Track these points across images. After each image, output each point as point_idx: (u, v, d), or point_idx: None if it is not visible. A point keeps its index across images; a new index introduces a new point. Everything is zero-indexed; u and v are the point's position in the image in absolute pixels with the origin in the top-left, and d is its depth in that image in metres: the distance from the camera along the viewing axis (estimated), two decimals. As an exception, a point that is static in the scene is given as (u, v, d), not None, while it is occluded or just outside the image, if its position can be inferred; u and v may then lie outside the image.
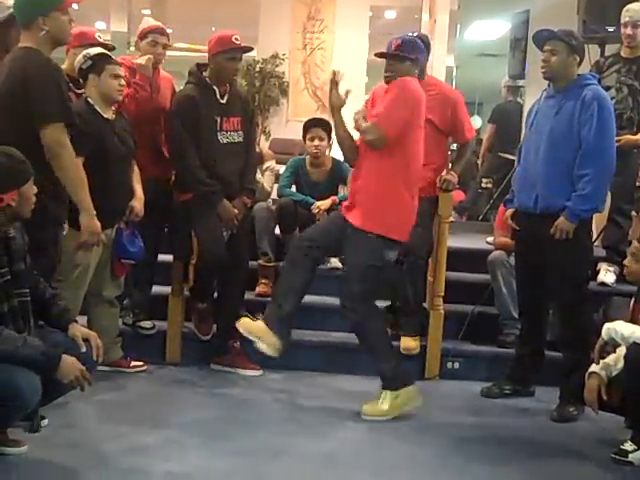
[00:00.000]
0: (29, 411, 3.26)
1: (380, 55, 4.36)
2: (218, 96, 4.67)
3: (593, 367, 3.74)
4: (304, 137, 5.59)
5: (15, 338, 3.15)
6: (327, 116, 10.65)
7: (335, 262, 5.51)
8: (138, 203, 4.44)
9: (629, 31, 5.32)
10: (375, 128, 4.16)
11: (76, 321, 3.59)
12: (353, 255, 4.21)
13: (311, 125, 5.56)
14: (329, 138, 5.56)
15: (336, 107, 4.30)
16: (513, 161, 8.27)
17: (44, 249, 3.68)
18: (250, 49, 4.71)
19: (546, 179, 4.24)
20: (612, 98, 4.88)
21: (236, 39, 4.60)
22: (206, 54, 4.71)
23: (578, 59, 4.29)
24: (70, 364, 3.23)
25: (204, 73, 4.70)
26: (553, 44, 4.26)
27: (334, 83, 4.29)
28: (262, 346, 4.21)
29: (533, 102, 4.63)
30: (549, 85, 4.40)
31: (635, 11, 5.34)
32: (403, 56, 4.27)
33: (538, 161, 4.28)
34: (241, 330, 4.28)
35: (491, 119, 8.77)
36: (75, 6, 4.00)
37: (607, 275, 5.33)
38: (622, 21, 5.36)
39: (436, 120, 4.79)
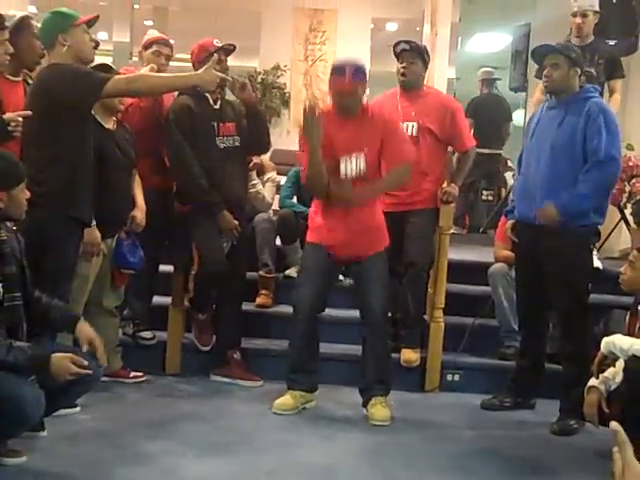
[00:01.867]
0: (31, 426, 3.26)
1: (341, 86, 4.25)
2: (211, 102, 4.69)
3: (592, 381, 3.73)
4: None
5: (0, 345, 3.13)
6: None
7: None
8: (140, 213, 4.45)
9: (579, 20, 5.53)
10: (409, 167, 4.33)
11: (80, 317, 3.58)
12: (380, 278, 4.35)
13: None
14: None
15: (314, 138, 4.18)
16: (494, 155, 8.28)
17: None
18: (233, 47, 4.71)
19: (545, 190, 4.24)
20: None
21: (217, 42, 4.63)
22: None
23: (579, 71, 4.30)
24: (61, 363, 3.18)
25: None
26: (554, 58, 4.28)
27: (311, 113, 4.17)
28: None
29: (534, 111, 4.65)
30: (551, 96, 4.41)
31: (582, 0, 5.53)
32: (364, 83, 4.33)
33: (538, 172, 4.29)
34: (280, 412, 4.33)
35: (468, 113, 8.73)
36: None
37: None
38: (571, 12, 5.60)
39: (436, 129, 4.82)
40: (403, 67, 4.87)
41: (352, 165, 4.27)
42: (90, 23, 3.97)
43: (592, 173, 4.15)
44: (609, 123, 4.19)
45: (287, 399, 4.37)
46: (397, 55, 4.92)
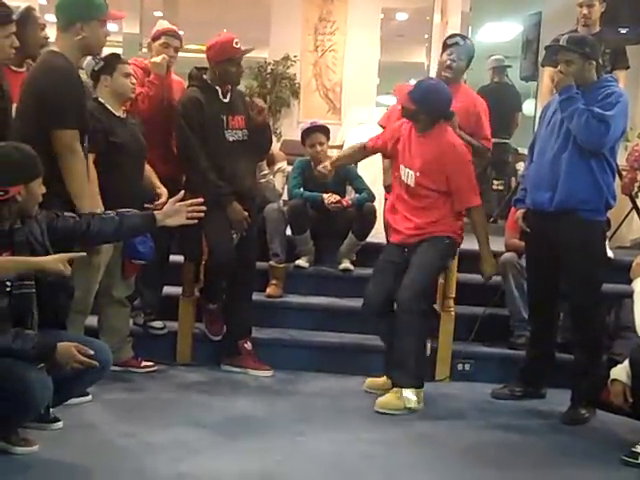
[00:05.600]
0: (40, 411, 3.27)
1: None
2: (221, 96, 4.68)
3: (613, 374, 3.75)
4: (303, 143, 5.63)
5: (6, 332, 3.13)
6: (337, 118, 10.70)
7: (346, 264, 5.51)
8: (164, 193, 4.47)
9: (585, 11, 5.53)
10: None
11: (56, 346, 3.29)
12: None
13: (309, 132, 5.61)
14: (328, 140, 5.65)
15: None
16: (502, 144, 8.17)
17: None
18: (250, 51, 4.72)
19: (567, 174, 4.20)
20: None
21: (236, 43, 4.62)
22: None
23: (594, 63, 4.26)
24: (66, 351, 3.19)
25: (204, 76, 4.72)
26: (567, 55, 4.24)
27: None
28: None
29: (549, 100, 4.60)
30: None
31: None
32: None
33: (556, 159, 4.24)
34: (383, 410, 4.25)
35: None
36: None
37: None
38: (577, 2, 5.60)
39: (460, 125, 4.78)
40: (451, 59, 4.82)
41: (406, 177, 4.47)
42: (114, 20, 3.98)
43: (594, 117, 4.08)
44: (623, 105, 4.16)
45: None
46: (447, 46, 4.87)
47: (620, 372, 3.73)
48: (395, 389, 4.31)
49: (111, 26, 12.13)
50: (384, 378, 4.54)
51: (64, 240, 3.50)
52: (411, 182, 4.43)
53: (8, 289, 3.26)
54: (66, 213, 3.56)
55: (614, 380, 3.74)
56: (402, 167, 4.49)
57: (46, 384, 3.16)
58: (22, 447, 3.33)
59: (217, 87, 4.66)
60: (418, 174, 4.41)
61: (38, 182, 3.34)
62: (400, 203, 4.52)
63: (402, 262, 4.42)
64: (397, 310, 4.35)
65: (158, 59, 4.69)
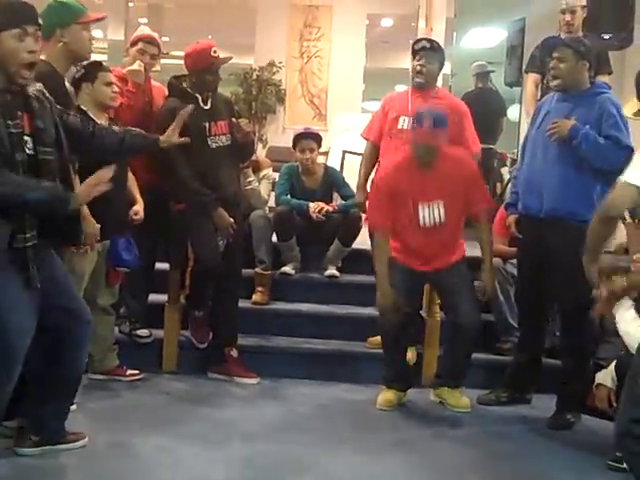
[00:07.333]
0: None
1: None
2: (201, 103, 4.67)
3: (598, 379, 3.76)
4: (294, 147, 5.64)
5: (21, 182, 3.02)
6: (323, 124, 10.73)
7: (332, 270, 5.51)
8: (140, 207, 4.46)
9: (568, 17, 5.53)
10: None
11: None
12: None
13: (302, 137, 5.62)
14: (319, 148, 5.70)
15: None
16: (487, 150, 8.17)
17: None
18: (229, 60, 4.72)
19: (557, 181, 4.18)
20: None
21: (214, 52, 4.62)
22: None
23: (588, 65, 4.26)
24: None
25: (184, 84, 4.72)
26: (560, 51, 4.25)
27: None
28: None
29: (542, 101, 4.60)
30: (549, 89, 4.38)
31: None
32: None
33: (547, 163, 4.22)
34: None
35: None
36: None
37: None
38: (559, 9, 5.61)
39: None
40: (420, 65, 4.83)
41: (431, 213, 4.43)
42: (94, 23, 3.97)
43: (614, 146, 4.07)
44: (622, 118, 4.14)
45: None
46: (415, 52, 4.88)
47: (605, 377, 3.75)
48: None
49: (96, 32, 12.13)
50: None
51: (69, 138, 3.41)
52: (440, 217, 4.45)
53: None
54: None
55: (599, 385, 3.76)
56: (419, 206, 4.41)
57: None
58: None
59: (197, 94, 4.66)
60: (444, 205, 4.43)
61: (35, 34, 3.20)
62: (420, 246, 4.49)
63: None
64: None
65: (136, 66, 4.67)
